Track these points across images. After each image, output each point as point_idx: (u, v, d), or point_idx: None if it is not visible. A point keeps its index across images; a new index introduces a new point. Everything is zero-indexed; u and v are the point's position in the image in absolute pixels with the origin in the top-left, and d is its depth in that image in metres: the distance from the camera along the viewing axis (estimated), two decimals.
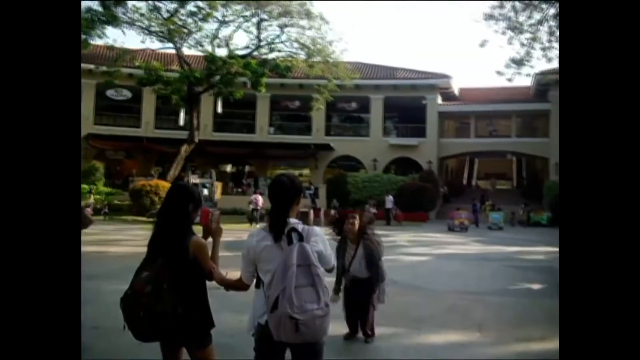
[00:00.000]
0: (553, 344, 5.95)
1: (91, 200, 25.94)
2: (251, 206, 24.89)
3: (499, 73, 20.86)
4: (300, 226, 2.93)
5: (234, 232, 16.10)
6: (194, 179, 26.59)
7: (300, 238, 2.86)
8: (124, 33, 27.05)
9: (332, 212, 27.50)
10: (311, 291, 2.74)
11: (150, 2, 26.36)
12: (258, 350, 2.98)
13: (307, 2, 27.71)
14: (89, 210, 8.43)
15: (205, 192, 25.63)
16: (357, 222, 5.94)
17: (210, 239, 3.46)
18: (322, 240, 2.99)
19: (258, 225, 22.27)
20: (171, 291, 3.05)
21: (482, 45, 20.73)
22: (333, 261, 3.18)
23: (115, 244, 14.65)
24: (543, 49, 20.21)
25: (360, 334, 6.05)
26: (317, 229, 3.03)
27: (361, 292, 5.90)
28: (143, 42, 27.73)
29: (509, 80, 21.04)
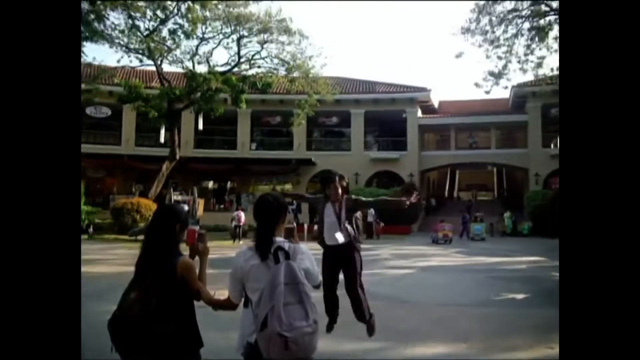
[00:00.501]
0: (539, 353, 6.01)
1: None
2: (234, 223, 24.78)
3: (477, 85, 21.25)
4: (286, 244, 2.96)
5: (217, 249, 16.03)
6: (175, 196, 26.40)
7: (287, 256, 2.89)
8: (110, 46, 26.41)
9: (315, 227, 27.51)
10: (299, 309, 2.76)
11: (129, 20, 26.31)
12: None
13: (286, 19, 27.90)
14: None
15: (185, 207, 25.43)
16: (340, 188, 5.88)
17: (197, 258, 3.46)
18: (308, 257, 3.03)
19: (242, 242, 22.20)
20: (160, 312, 3.04)
21: (458, 56, 21.14)
22: (320, 278, 3.20)
23: (98, 264, 14.46)
24: (519, 62, 20.62)
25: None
26: (303, 246, 3.06)
27: (343, 263, 5.79)
28: (118, 61, 27.40)
29: (487, 92, 21.43)
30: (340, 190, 5.86)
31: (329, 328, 5.90)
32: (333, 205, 5.88)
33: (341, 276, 5.95)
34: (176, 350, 3.16)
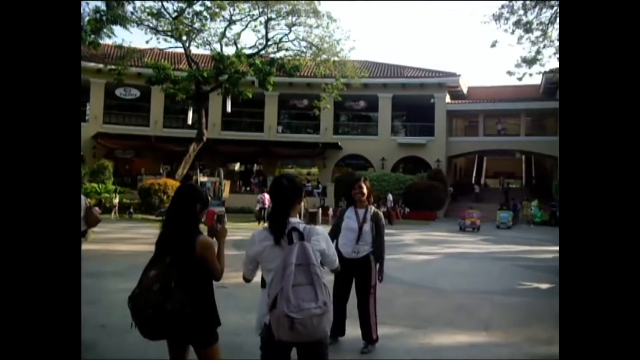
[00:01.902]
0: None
1: (116, 200, 25.85)
2: (259, 205, 24.95)
3: (510, 73, 20.82)
4: (301, 225, 2.94)
5: (242, 230, 16.17)
6: (201, 178, 26.65)
7: (301, 237, 2.87)
8: (138, 28, 26.67)
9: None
10: (309, 290, 2.75)
11: (157, 1, 26.46)
12: (263, 350, 2.99)
13: (315, 1, 27.67)
14: (96, 209, 8.47)
15: (208, 184, 25.70)
16: (364, 187, 5.49)
17: (215, 239, 3.48)
18: (324, 239, 3.00)
19: (266, 224, 22.40)
20: (179, 289, 3.07)
21: (493, 45, 20.68)
22: (337, 262, 3.18)
23: (123, 242, 14.71)
24: (554, 47, 20.10)
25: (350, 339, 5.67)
26: (319, 228, 3.03)
27: (357, 275, 5.44)
28: (147, 42, 27.51)
29: (519, 79, 20.95)
30: (366, 191, 5.48)
31: (332, 342, 5.08)
32: (356, 210, 5.52)
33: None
34: (194, 329, 3.20)
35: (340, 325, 5.51)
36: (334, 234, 5.46)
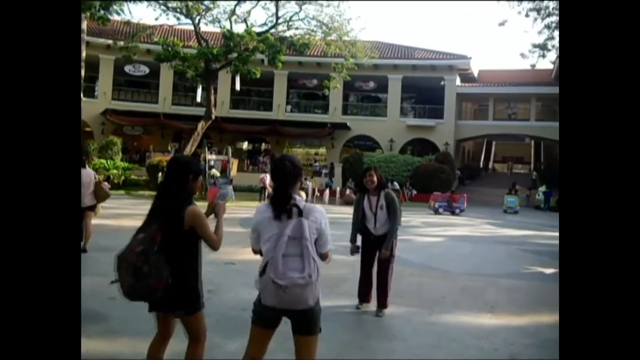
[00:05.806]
0: None
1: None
2: (261, 184, 25.09)
3: (523, 56, 20.55)
4: (301, 203, 3.09)
5: (248, 209, 16.21)
6: (210, 156, 26.67)
7: (300, 214, 3.04)
8: (148, 4, 26.33)
9: (348, 191, 27.66)
10: (298, 261, 2.95)
11: None
12: (254, 313, 3.18)
13: None
14: (106, 184, 8.53)
15: (214, 171, 25.55)
16: (375, 176, 6.10)
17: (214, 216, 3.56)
18: (322, 217, 3.14)
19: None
20: (160, 254, 3.12)
21: (501, 24, 20.37)
22: (330, 244, 3.23)
23: (132, 218, 14.78)
24: None
25: (370, 307, 6.27)
26: (318, 207, 3.21)
27: (379, 251, 6.10)
28: (156, 19, 27.21)
29: (532, 66, 20.62)
30: (375, 179, 6.07)
31: (358, 307, 6.30)
32: (369, 197, 6.18)
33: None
34: (171, 295, 3.22)
35: (367, 294, 6.31)
36: (356, 218, 6.26)
